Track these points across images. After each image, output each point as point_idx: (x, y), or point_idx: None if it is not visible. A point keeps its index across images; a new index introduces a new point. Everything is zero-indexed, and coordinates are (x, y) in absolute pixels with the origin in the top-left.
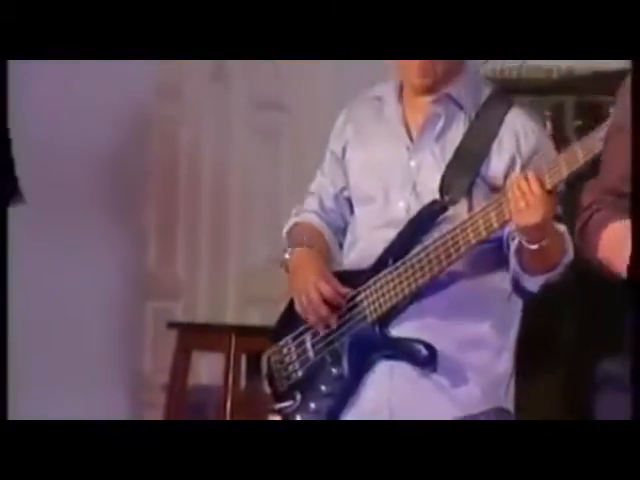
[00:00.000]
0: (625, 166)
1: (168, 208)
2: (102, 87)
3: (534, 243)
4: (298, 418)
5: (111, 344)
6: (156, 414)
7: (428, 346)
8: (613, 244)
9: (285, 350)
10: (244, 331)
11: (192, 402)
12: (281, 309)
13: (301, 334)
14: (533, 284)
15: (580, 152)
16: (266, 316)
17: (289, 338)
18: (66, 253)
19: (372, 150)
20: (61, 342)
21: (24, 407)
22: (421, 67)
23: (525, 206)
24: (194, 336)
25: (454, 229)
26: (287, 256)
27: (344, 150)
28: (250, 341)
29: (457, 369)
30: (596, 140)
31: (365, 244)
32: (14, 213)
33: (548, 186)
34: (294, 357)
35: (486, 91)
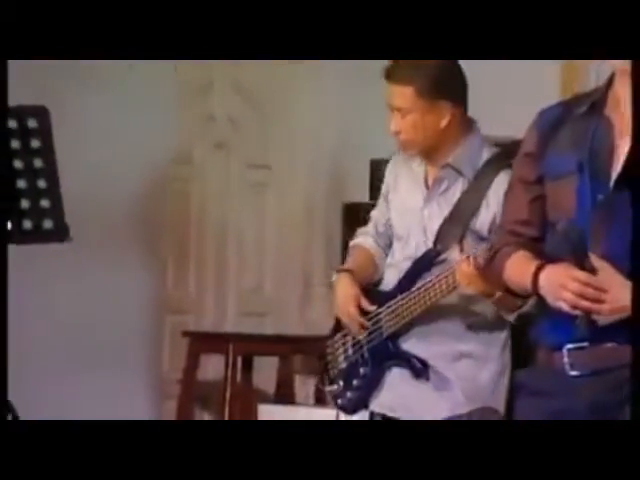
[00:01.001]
0: (519, 212)
1: (182, 245)
2: (131, 152)
3: (489, 298)
4: (339, 402)
5: (140, 348)
6: (172, 403)
7: (422, 361)
8: (515, 268)
9: (336, 346)
10: (239, 338)
11: (200, 393)
12: (267, 322)
13: (345, 336)
14: (509, 317)
15: None
16: (256, 327)
17: (338, 337)
18: (105, 281)
19: (403, 196)
20: (101, 346)
21: (62, 396)
22: (401, 144)
23: (467, 283)
24: (201, 342)
25: (445, 272)
26: (333, 279)
27: (387, 193)
28: (244, 346)
29: (445, 379)
30: None
31: (393, 270)
32: (65, 247)
33: (484, 260)
34: (341, 352)
35: (485, 155)
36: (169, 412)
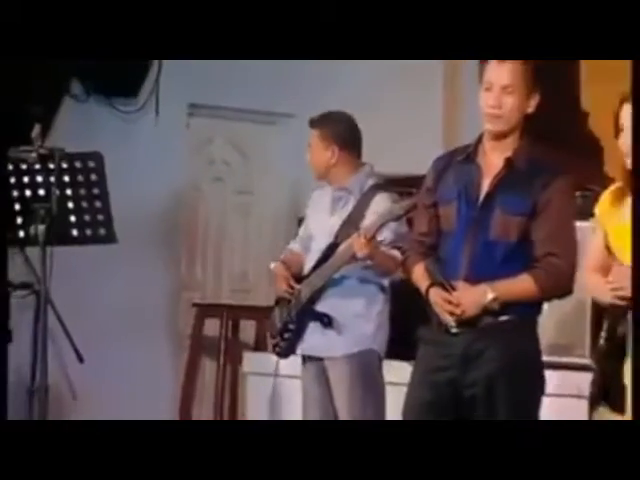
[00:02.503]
0: (421, 227)
1: (192, 244)
2: (158, 182)
3: (367, 260)
4: (276, 350)
5: (163, 315)
6: (185, 354)
7: (328, 317)
8: (418, 277)
9: (275, 312)
10: (231, 308)
11: (204, 345)
12: (250, 297)
13: (279, 305)
14: (384, 280)
15: (394, 210)
16: (242, 300)
17: (281, 304)
18: (140, 269)
19: (316, 213)
20: (138, 315)
21: (118, 349)
22: (315, 176)
23: (359, 249)
24: (205, 310)
25: (345, 244)
26: (272, 267)
27: (307, 215)
28: (234, 313)
29: (343, 328)
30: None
31: (310, 260)
32: (113, 247)
33: (369, 237)
34: (277, 315)
35: (370, 183)
36: (183, 360)
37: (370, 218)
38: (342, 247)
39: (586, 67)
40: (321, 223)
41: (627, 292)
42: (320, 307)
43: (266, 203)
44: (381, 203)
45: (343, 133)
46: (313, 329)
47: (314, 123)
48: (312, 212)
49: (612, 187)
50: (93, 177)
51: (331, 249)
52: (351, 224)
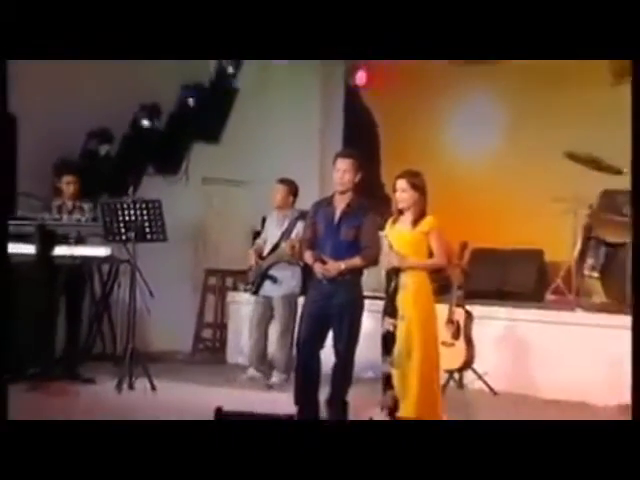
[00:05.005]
0: (307, 234)
1: (205, 241)
2: (184, 215)
3: (293, 253)
4: (247, 292)
5: (190, 274)
6: (199, 293)
7: (275, 277)
8: (307, 257)
9: (250, 273)
10: (223, 271)
11: (209, 289)
12: (234, 265)
13: (251, 269)
14: (299, 261)
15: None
16: (230, 267)
17: (251, 270)
18: (177, 252)
19: (270, 226)
20: (175, 274)
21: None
22: (275, 207)
23: (289, 250)
24: (210, 272)
25: (281, 249)
26: (249, 252)
27: (264, 228)
28: (224, 273)
29: (282, 283)
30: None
31: (267, 249)
32: (158, 246)
33: (294, 243)
34: (253, 274)
35: (296, 214)
36: (198, 296)
37: (295, 232)
38: (282, 245)
39: (384, 162)
40: (272, 232)
41: (390, 265)
42: (271, 272)
43: (240, 223)
44: (300, 226)
45: (295, 190)
46: (267, 282)
47: (282, 182)
48: (267, 226)
49: (391, 218)
50: (157, 211)
51: (277, 246)
52: (286, 234)
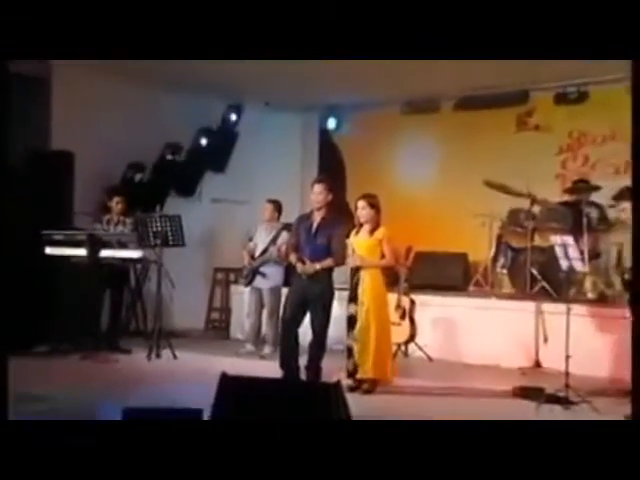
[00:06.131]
0: (294, 239)
1: (214, 246)
2: (197, 225)
3: (279, 256)
4: (244, 285)
5: (202, 270)
6: (209, 286)
7: (264, 273)
8: (292, 259)
9: (244, 270)
10: (226, 268)
11: (217, 282)
12: (234, 264)
13: (246, 266)
14: (283, 262)
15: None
16: (231, 265)
17: (245, 267)
18: (192, 254)
19: (260, 234)
20: (192, 271)
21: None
22: (265, 220)
23: (276, 252)
24: (217, 270)
25: (269, 252)
26: (243, 253)
27: (255, 235)
28: (227, 270)
29: (270, 278)
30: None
31: (258, 251)
32: (179, 250)
33: (281, 247)
34: (246, 271)
35: (280, 225)
36: (208, 288)
37: (280, 239)
38: (270, 249)
39: (349, 187)
40: (262, 239)
41: (353, 264)
42: (261, 269)
43: (240, 232)
44: (284, 235)
45: (280, 207)
46: (258, 277)
47: (270, 202)
48: (258, 234)
49: (354, 229)
50: (177, 224)
51: (266, 250)
52: (273, 241)
